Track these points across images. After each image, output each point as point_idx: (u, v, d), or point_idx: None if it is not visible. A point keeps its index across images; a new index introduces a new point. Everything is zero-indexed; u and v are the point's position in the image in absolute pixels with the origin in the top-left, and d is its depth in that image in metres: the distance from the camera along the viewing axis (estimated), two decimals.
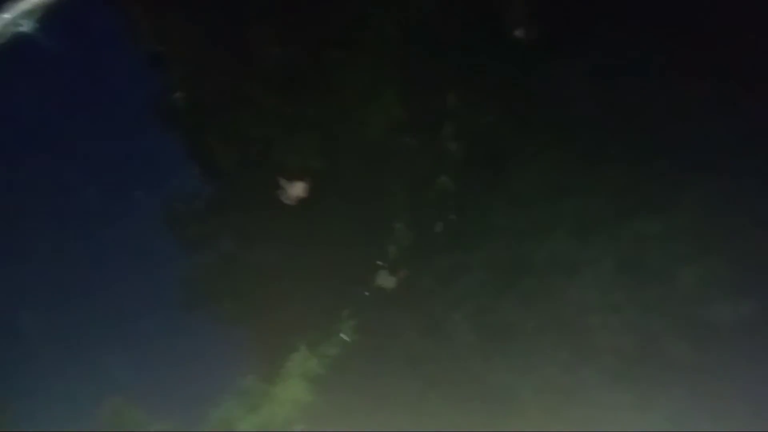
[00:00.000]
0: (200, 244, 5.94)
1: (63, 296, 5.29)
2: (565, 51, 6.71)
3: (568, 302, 5.76)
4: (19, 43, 5.16)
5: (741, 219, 5.70)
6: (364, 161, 6.44)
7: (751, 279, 5.43)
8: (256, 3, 6.04)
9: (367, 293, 6.22)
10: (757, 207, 5.65)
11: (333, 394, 5.71)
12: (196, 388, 5.23)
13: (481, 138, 6.69)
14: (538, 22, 6.88)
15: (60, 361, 5.14)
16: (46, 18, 5.36)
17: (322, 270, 6.21)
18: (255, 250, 6.01)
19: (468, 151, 6.56)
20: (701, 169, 5.79)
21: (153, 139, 5.65)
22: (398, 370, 5.82)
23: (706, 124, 6.05)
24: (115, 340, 5.32)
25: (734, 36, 6.17)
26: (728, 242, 5.66)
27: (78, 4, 5.38)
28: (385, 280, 6.45)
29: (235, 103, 6.21)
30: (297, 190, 6.16)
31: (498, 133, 6.72)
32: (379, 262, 6.42)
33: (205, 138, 6.14)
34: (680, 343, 5.38)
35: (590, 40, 6.67)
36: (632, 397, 5.34)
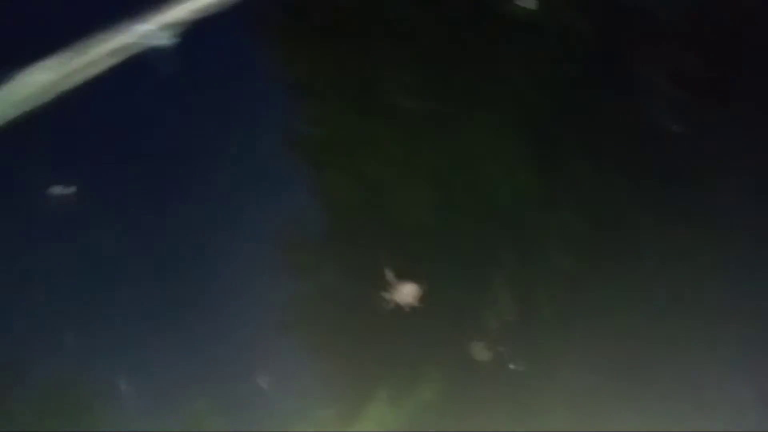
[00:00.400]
0: (303, 272, 5.88)
1: (163, 305, 5.23)
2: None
3: None
4: (153, 56, 5.14)
5: None
6: (479, 224, 6.10)
7: None
8: (401, 47, 5.89)
9: (458, 360, 5.88)
10: None
11: None
12: (278, 411, 5.09)
13: (607, 215, 6.24)
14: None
15: (152, 361, 5.08)
16: (186, 33, 5.31)
17: (417, 323, 5.99)
18: (355, 287, 5.89)
19: (591, 229, 6.11)
20: None
21: (275, 166, 5.56)
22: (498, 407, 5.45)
23: None
24: (207, 349, 5.24)
25: None
26: None
27: (221, 24, 5.30)
28: (480, 353, 6.07)
29: (361, 144, 6.13)
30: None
31: (626, 210, 6.28)
32: (476, 333, 6.05)
33: (325, 173, 6.08)
34: None
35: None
36: None
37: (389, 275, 5.78)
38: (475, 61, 6.30)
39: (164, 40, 5.28)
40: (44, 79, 4.39)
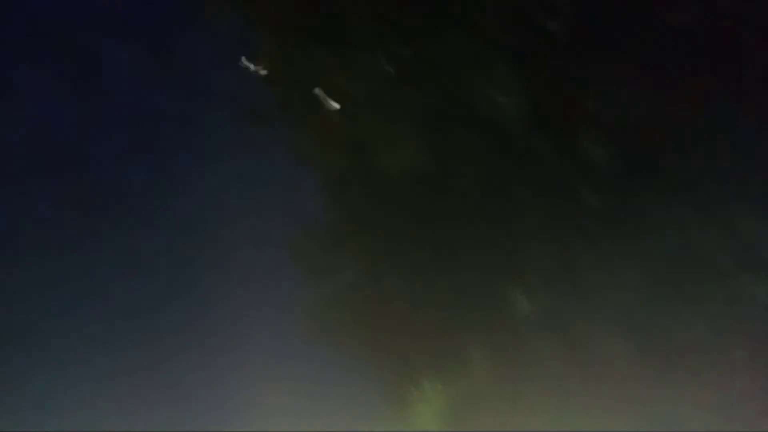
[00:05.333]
0: (325, 274, 5.37)
1: (186, 325, 4.77)
2: None
3: None
4: None
5: None
6: (494, 164, 5.58)
7: None
8: None
9: (500, 320, 5.52)
10: None
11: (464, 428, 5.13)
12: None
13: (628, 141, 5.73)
14: None
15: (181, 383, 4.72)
16: None
17: (451, 297, 5.57)
18: (381, 281, 5.40)
19: (615, 159, 5.59)
20: None
21: (281, 164, 4.95)
22: (539, 402, 5.15)
23: None
24: (238, 369, 4.86)
25: None
26: None
27: None
28: (522, 306, 5.68)
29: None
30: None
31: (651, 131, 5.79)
32: (514, 286, 5.64)
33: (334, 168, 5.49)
34: None
35: None
36: None
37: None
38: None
39: None
40: None
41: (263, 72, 5.55)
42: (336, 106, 5.45)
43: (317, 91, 5.31)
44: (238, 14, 5.81)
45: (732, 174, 5.28)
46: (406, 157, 5.78)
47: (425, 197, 5.61)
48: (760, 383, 4.78)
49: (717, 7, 5.81)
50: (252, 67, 5.50)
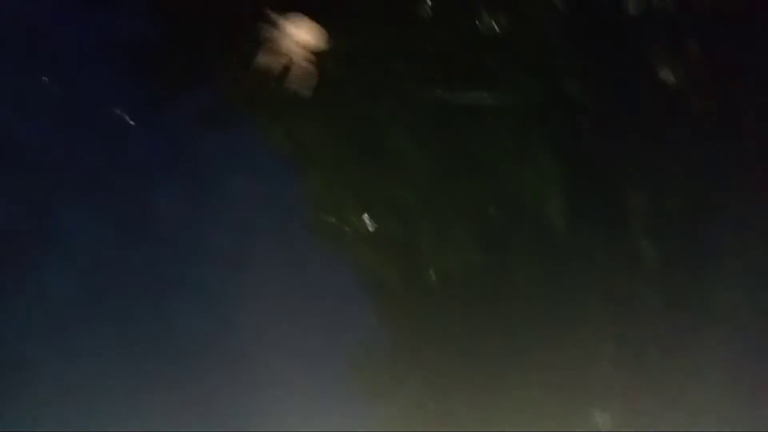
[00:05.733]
0: (387, 391, 4.81)
1: None
2: None
3: None
4: None
5: None
6: (546, 262, 5.04)
7: None
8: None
9: None
10: None
11: None
12: None
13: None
14: None
15: None
16: None
17: (522, 413, 4.99)
18: (445, 395, 4.83)
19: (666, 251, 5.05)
20: None
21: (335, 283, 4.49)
22: None
23: None
24: None
25: None
26: None
27: None
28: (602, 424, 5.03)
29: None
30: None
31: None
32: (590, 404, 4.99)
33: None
34: None
35: None
36: None
37: None
38: None
39: None
40: None
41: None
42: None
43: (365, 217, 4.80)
44: (282, 149, 5.43)
45: None
46: (459, 259, 5.22)
47: (482, 302, 5.06)
48: None
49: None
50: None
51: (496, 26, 5.20)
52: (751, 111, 5.42)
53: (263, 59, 4.56)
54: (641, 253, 5.03)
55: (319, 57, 4.94)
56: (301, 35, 4.33)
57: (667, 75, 5.20)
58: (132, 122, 3.77)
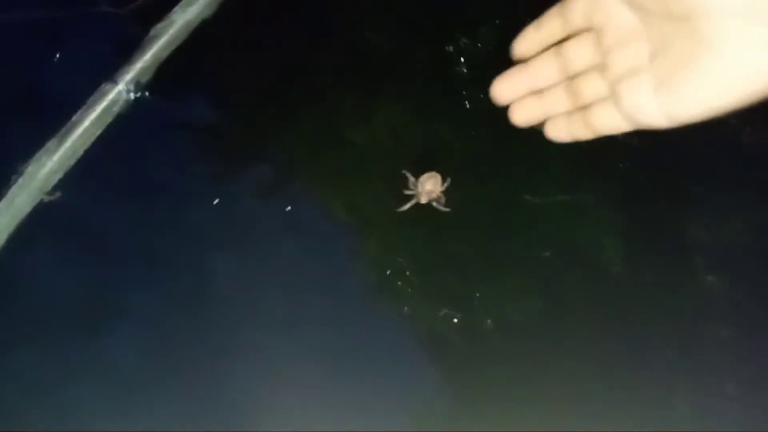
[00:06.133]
0: None
1: None
2: None
3: None
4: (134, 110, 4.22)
5: None
6: (608, 306, 4.88)
7: None
8: None
9: None
10: None
11: None
12: None
13: None
14: None
15: None
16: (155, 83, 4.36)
17: None
18: None
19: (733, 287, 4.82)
20: None
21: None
22: None
23: None
24: None
25: None
26: None
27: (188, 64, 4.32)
28: None
29: None
30: None
31: None
32: None
33: None
34: None
35: None
36: None
37: None
38: None
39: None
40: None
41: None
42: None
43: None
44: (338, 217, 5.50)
45: None
46: (518, 309, 5.07)
47: (543, 349, 4.91)
48: None
49: None
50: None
51: None
52: None
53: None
54: (706, 289, 4.85)
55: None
56: None
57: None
58: (189, 198, 3.97)
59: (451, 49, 3.43)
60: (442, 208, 2.45)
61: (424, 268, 4.18)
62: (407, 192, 2.28)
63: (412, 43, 3.55)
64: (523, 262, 4.89)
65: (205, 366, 4.24)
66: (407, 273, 4.10)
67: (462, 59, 3.52)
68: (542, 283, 4.90)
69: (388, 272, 4.28)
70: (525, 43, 0.90)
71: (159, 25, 2.46)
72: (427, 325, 4.61)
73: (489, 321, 5.00)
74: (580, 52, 0.84)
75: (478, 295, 4.61)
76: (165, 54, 2.48)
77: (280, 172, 3.60)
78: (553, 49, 0.92)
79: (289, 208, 4.25)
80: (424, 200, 2.28)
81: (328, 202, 4.22)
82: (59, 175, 2.43)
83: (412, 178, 2.26)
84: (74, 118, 2.42)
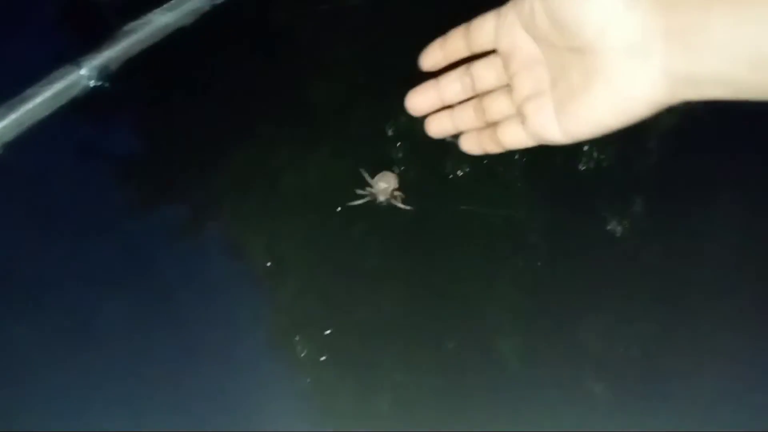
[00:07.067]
0: None
1: None
2: None
3: None
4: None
5: None
6: (496, 405, 4.83)
7: None
8: None
9: None
10: None
11: None
12: None
13: None
14: None
15: None
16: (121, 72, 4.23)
17: None
18: None
19: (617, 394, 4.93)
20: None
21: None
22: None
23: None
24: None
25: None
26: None
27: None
28: None
29: None
30: None
31: None
32: None
33: None
34: None
35: None
36: None
37: None
38: None
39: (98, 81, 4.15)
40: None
41: None
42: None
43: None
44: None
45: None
46: (416, 382, 5.00)
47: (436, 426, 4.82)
48: None
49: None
50: None
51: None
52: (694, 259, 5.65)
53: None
54: (593, 394, 5.04)
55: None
56: None
57: (614, 225, 5.48)
58: (93, 226, 3.72)
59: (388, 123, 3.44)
60: (402, 206, 2.52)
61: (332, 330, 4.06)
62: (360, 192, 2.38)
63: (355, 102, 3.58)
64: (428, 341, 4.90)
65: (75, 413, 3.98)
66: (312, 336, 3.99)
67: (393, 131, 3.57)
68: (441, 363, 4.91)
69: (291, 332, 4.15)
70: (430, 58, 0.99)
71: (136, 22, 2.59)
72: (323, 391, 4.50)
73: (386, 394, 4.92)
74: (487, 73, 0.95)
75: (380, 365, 4.53)
76: (135, 50, 2.61)
77: (198, 212, 3.43)
78: (463, 67, 1.03)
79: (199, 251, 4.06)
80: (382, 198, 2.39)
81: (241, 246, 4.05)
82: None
83: (369, 179, 2.37)
84: (28, 91, 2.53)
